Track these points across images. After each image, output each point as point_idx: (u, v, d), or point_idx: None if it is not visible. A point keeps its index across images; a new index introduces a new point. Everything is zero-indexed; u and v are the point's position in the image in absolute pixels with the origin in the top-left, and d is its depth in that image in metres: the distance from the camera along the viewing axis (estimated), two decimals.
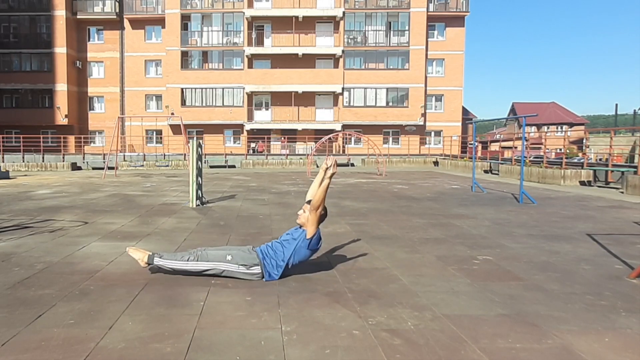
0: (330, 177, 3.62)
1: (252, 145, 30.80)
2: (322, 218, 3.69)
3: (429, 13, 30.88)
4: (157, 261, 3.67)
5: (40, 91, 31.82)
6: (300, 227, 3.73)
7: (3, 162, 23.46)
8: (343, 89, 30.84)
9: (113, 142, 17.92)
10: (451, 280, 3.68)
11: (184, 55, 31.14)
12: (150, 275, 3.76)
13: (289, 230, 3.85)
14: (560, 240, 5.25)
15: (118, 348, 2.41)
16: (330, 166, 3.63)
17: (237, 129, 31.75)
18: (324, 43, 31.29)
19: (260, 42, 31.61)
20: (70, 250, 4.67)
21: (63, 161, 24.49)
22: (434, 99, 32.28)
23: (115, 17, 31.86)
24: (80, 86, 32.78)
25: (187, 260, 3.62)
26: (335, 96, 31.44)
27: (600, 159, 25.42)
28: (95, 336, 2.55)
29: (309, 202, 3.74)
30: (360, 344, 2.48)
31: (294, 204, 8.61)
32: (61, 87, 31.31)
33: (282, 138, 30.66)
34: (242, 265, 3.58)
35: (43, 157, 25.39)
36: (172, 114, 29.38)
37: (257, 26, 31.57)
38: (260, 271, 3.59)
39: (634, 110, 51.17)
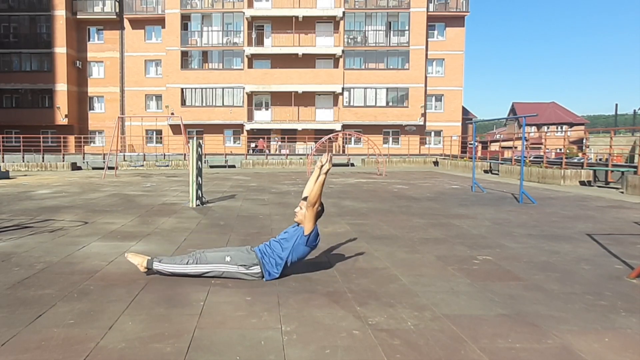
0: (326, 173, 3.63)
1: (252, 145, 30.79)
2: (319, 214, 3.70)
3: (429, 13, 30.87)
4: (157, 266, 3.67)
5: (40, 91, 31.82)
6: (298, 224, 3.73)
7: (3, 162, 23.46)
8: (343, 89, 30.84)
9: (113, 142, 17.92)
10: (451, 280, 3.68)
11: (184, 55, 31.14)
12: (150, 275, 3.76)
13: (287, 229, 3.86)
14: (560, 240, 5.25)
15: (118, 348, 2.41)
16: (326, 162, 3.64)
17: (237, 129, 31.75)
18: (324, 43, 31.29)
19: (260, 42, 31.61)
20: (70, 250, 4.67)
21: (63, 161, 24.49)
22: (434, 99, 32.28)
23: (115, 17, 31.86)
24: (80, 86, 32.78)
25: (187, 264, 3.62)
26: (335, 96, 31.44)
27: (600, 159, 25.43)
28: (95, 336, 2.55)
29: (305, 199, 3.75)
30: (360, 344, 2.48)
31: (294, 203, 8.59)
32: (61, 87, 31.31)
33: (277, 139, 30.56)
34: (241, 265, 3.59)
35: (43, 157, 25.39)
36: (172, 114, 29.38)
37: (257, 26, 31.57)
38: (260, 271, 3.60)
39: (634, 110, 51.21)
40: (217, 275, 3.63)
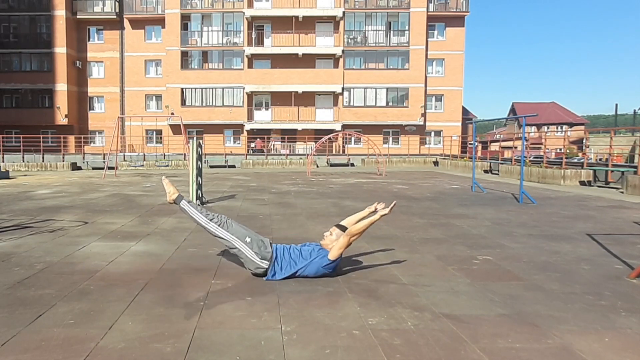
0: (381, 217, 3.69)
1: (252, 145, 30.80)
2: (349, 245, 3.72)
3: (429, 13, 30.88)
4: (184, 205, 3.79)
5: (40, 91, 31.82)
6: (321, 247, 3.74)
7: (3, 162, 23.46)
8: (343, 88, 30.84)
9: (113, 142, 17.92)
10: (451, 280, 3.68)
11: (184, 55, 31.14)
12: (150, 275, 3.76)
13: (312, 243, 3.86)
14: (560, 240, 5.25)
15: (118, 348, 2.41)
16: (389, 211, 3.69)
17: (237, 128, 31.75)
18: (324, 43, 31.29)
19: (260, 42, 31.61)
20: (70, 250, 4.67)
21: (63, 161, 24.50)
22: (434, 99, 32.28)
23: (115, 17, 31.86)
24: (80, 86, 32.78)
25: (210, 221, 3.69)
26: (335, 96, 31.44)
27: (600, 159, 25.41)
28: (95, 336, 2.55)
29: (339, 226, 3.79)
30: (360, 343, 2.48)
31: (294, 204, 8.61)
32: (61, 87, 31.31)
33: (272, 138, 30.47)
34: (256, 252, 3.59)
35: (43, 157, 25.39)
36: (172, 113, 29.38)
37: (257, 26, 31.57)
38: (267, 267, 3.59)
39: (634, 110, 51.19)
40: (229, 246, 3.66)
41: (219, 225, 3.66)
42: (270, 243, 3.71)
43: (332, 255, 3.60)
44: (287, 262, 3.62)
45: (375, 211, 3.83)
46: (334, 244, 3.64)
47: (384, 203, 3.86)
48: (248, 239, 3.62)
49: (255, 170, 21.63)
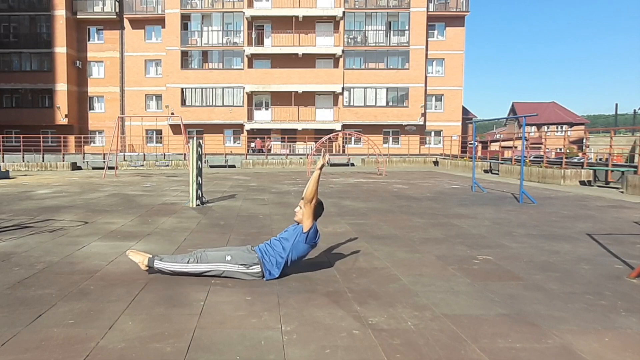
0: (320, 168, 3.67)
1: (252, 145, 30.79)
2: (317, 210, 3.72)
3: (429, 13, 30.86)
4: (158, 264, 3.68)
5: (40, 91, 31.81)
6: (298, 223, 3.75)
7: (3, 161, 23.46)
8: (343, 88, 30.83)
9: (113, 141, 17.91)
10: (451, 280, 3.68)
11: (184, 55, 31.13)
12: (150, 275, 3.76)
13: (287, 228, 3.87)
14: (560, 240, 5.25)
15: (118, 348, 2.41)
16: (322, 157, 3.70)
17: (237, 128, 31.74)
18: (324, 43, 31.28)
19: (260, 42, 31.60)
20: (70, 250, 4.67)
21: (63, 161, 24.50)
22: (434, 98, 32.27)
23: (115, 16, 31.85)
24: (80, 86, 32.77)
25: (187, 262, 3.63)
26: (335, 96, 31.43)
27: (600, 159, 25.41)
28: (95, 336, 2.55)
29: (303, 198, 3.77)
30: (360, 343, 2.48)
31: (294, 203, 8.59)
32: (61, 87, 31.30)
33: (267, 138, 30.38)
34: (241, 264, 3.59)
35: (43, 157, 25.39)
36: (172, 113, 29.38)
37: (257, 26, 31.55)
38: (260, 270, 3.60)
39: (634, 110, 51.19)
40: (218, 274, 3.63)
41: (196, 262, 3.62)
42: (252, 247, 3.73)
43: (306, 226, 3.65)
44: (273, 257, 3.64)
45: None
46: (302, 216, 3.69)
47: (328, 155, 3.84)
48: (228, 257, 3.62)
49: (255, 170, 21.63)
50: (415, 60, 30.70)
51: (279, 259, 3.63)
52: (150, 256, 3.73)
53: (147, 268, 3.70)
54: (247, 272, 3.60)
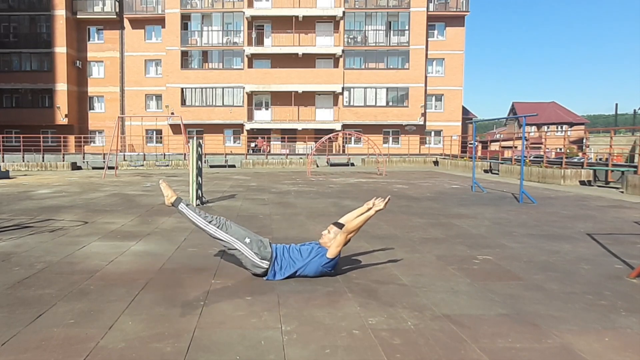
0: (376, 211, 3.73)
1: (252, 145, 30.78)
2: (347, 243, 3.73)
3: (429, 13, 30.86)
4: (182, 208, 3.80)
5: (40, 91, 31.81)
6: (320, 245, 3.74)
7: (3, 161, 23.46)
8: (343, 88, 30.84)
9: (113, 141, 17.91)
10: (451, 279, 3.68)
11: (184, 55, 31.14)
12: (150, 275, 3.76)
13: (311, 242, 3.86)
14: (560, 240, 5.25)
15: (118, 348, 2.41)
16: (383, 205, 3.73)
17: (237, 128, 31.74)
18: (324, 43, 31.28)
19: (260, 42, 31.60)
20: (70, 250, 4.67)
21: (63, 161, 24.50)
22: (434, 98, 32.27)
23: (115, 16, 31.85)
24: (80, 86, 32.77)
25: (209, 223, 3.69)
26: (335, 96, 31.43)
27: (600, 159, 25.42)
28: (95, 336, 2.55)
29: (336, 224, 3.79)
30: (360, 343, 2.48)
31: (294, 203, 8.61)
32: (61, 87, 31.30)
33: (262, 137, 30.35)
34: (255, 253, 3.59)
35: (43, 157, 25.39)
36: (172, 113, 29.37)
37: (257, 26, 31.56)
38: (267, 267, 3.59)
39: (634, 110, 51.20)
40: (229, 247, 3.66)
41: (217, 227, 3.67)
42: (270, 243, 3.71)
43: (331, 253, 3.60)
44: (287, 262, 3.62)
45: (372, 207, 3.83)
46: (332, 242, 3.64)
47: (381, 198, 3.86)
48: (247, 240, 3.62)
49: (255, 170, 21.63)
50: (415, 60, 30.70)
51: (290, 268, 3.62)
52: (178, 197, 3.88)
53: (170, 205, 3.84)
54: (256, 262, 3.59)
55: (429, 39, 31.59)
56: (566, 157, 16.57)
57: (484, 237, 5.39)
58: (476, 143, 16.48)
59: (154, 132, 31.47)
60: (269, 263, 3.59)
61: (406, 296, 3.26)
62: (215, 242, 3.80)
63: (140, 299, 3.19)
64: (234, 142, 31.76)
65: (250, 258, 3.59)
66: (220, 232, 3.65)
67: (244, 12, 30.67)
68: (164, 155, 24.81)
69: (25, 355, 2.32)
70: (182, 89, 31.03)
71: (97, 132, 33.14)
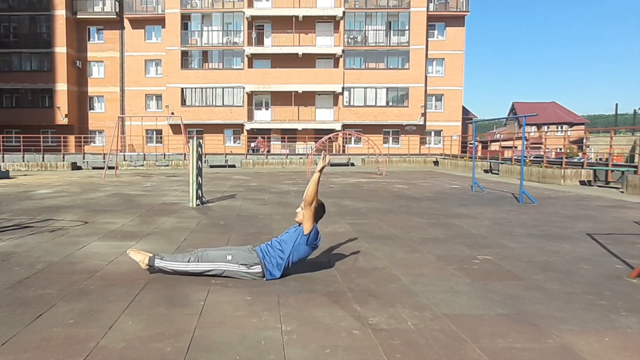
0: (320, 171, 3.66)
1: (252, 144, 30.78)
2: (317, 213, 3.72)
3: (429, 13, 30.86)
4: (158, 263, 3.68)
5: (40, 91, 31.81)
6: (299, 224, 3.75)
7: (3, 161, 23.46)
8: (343, 88, 30.83)
9: (113, 141, 17.91)
10: (451, 279, 3.68)
11: (184, 55, 31.13)
12: (150, 275, 3.76)
13: (288, 229, 3.87)
14: (560, 240, 5.25)
15: (118, 348, 2.41)
16: (322, 159, 3.69)
17: (237, 128, 31.74)
18: (324, 43, 31.28)
19: (260, 42, 31.60)
20: (70, 250, 4.67)
21: (63, 161, 24.50)
22: (434, 98, 32.27)
23: (115, 16, 31.85)
24: (80, 86, 32.77)
25: (188, 262, 3.63)
26: (335, 96, 31.43)
27: (600, 159, 25.42)
28: (95, 336, 2.55)
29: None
30: (360, 343, 2.48)
31: (294, 203, 8.60)
32: (61, 87, 31.30)
33: (262, 137, 30.32)
34: (242, 264, 3.59)
35: (43, 157, 25.39)
36: (172, 113, 29.37)
37: (257, 26, 31.55)
38: (260, 270, 3.60)
39: (634, 110, 51.18)
40: (218, 273, 3.63)
41: (197, 261, 3.62)
42: (254, 247, 3.73)
43: (306, 229, 3.65)
44: (274, 257, 3.64)
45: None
46: (302, 217, 3.69)
47: (328, 157, 3.82)
48: (229, 257, 3.62)
49: (255, 170, 21.63)
50: (415, 60, 30.70)
51: (279, 260, 3.63)
52: (151, 255, 3.73)
53: (147, 267, 3.70)
54: (248, 272, 3.60)
55: (429, 39, 31.58)
56: (566, 157, 16.57)
57: (484, 237, 5.39)
58: (476, 143, 16.48)
59: (154, 132, 31.47)
60: (260, 266, 3.60)
61: (406, 296, 3.26)
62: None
63: (140, 299, 3.19)
64: (234, 142, 31.76)
65: (240, 271, 3.61)
66: (202, 265, 3.61)
67: (244, 12, 30.66)
68: (164, 155, 24.80)
69: (25, 355, 2.32)
70: (182, 89, 31.03)
71: (97, 132, 33.14)
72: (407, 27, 30.72)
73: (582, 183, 12.95)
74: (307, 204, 3.62)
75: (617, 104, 55.62)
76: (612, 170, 12.91)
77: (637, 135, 28.16)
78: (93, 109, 33.23)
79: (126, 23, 32.14)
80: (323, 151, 3.79)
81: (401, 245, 4.94)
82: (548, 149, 31.72)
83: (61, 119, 31.28)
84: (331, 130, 27.82)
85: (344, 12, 30.64)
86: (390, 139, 31.80)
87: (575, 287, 3.49)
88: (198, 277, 3.66)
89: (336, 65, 31.24)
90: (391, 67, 31.02)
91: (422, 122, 31.26)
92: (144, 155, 24.74)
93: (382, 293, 3.33)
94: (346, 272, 3.87)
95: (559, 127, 56.13)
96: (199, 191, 8.36)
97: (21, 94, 32.04)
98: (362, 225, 6.19)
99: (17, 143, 27.71)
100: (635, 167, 11.90)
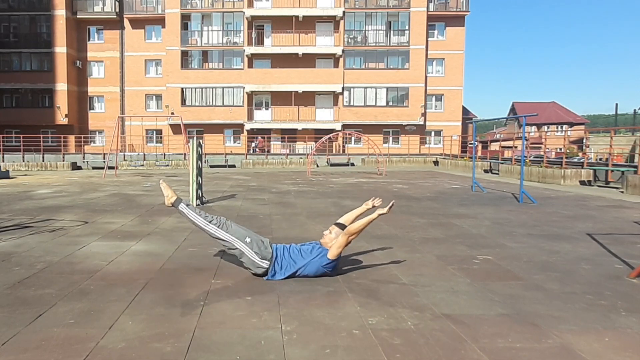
0: (379, 215, 3.60)
1: (252, 144, 30.78)
2: (348, 244, 3.70)
3: (429, 13, 30.86)
4: (182, 208, 3.79)
5: (40, 91, 31.81)
6: (321, 245, 3.73)
7: (3, 161, 23.46)
8: (343, 88, 30.84)
9: (113, 141, 17.91)
10: (451, 279, 3.68)
11: (184, 54, 31.14)
12: (150, 274, 3.76)
13: (312, 242, 3.85)
14: (560, 239, 5.25)
15: (118, 348, 2.41)
16: (387, 210, 3.59)
17: (237, 128, 31.74)
18: (324, 43, 31.28)
19: (260, 42, 31.60)
20: (70, 249, 4.67)
21: (63, 161, 24.49)
22: (434, 98, 32.27)
23: (115, 16, 31.85)
24: (80, 86, 32.78)
25: (209, 222, 3.68)
26: (335, 96, 31.44)
27: (600, 159, 25.41)
28: (95, 336, 2.55)
29: (338, 224, 3.78)
30: (360, 343, 2.48)
31: (294, 203, 8.61)
32: (61, 87, 31.31)
33: (261, 137, 30.31)
34: (256, 252, 3.59)
35: (43, 157, 25.38)
36: (172, 113, 29.38)
37: (257, 26, 31.56)
38: (267, 267, 3.59)
39: (634, 110, 51.18)
40: (229, 247, 3.66)
41: (218, 227, 3.66)
42: (270, 243, 3.71)
43: (332, 254, 3.59)
44: (287, 262, 3.62)
45: (372, 208, 3.81)
46: (333, 242, 3.64)
47: (380, 199, 3.85)
48: (248, 239, 3.62)
49: (256, 170, 21.63)
50: (415, 60, 30.71)
51: (290, 267, 3.61)
52: (178, 197, 3.86)
53: (170, 205, 3.83)
54: (256, 261, 3.58)
55: (429, 39, 31.59)
56: (566, 157, 16.57)
57: (484, 237, 5.39)
58: (476, 143, 16.50)
59: (154, 132, 31.47)
60: (269, 263, 3.59)
61: (406, 296, 3.26)
62: (216, 242, 3.80)
63: (140, 299, 3.19)
64: (234, 142, 31.76)
65: (251, 258, 3.59)
66: (221, 232, 3.65)
67: (244, 12, 30.67)
68: (164, 155, 24.81)
69: (25, 355, 2.32)
70: (182, 88, 31.03)
71: (97, 132, 33.14)
72: (407, 27, 30.73)
73: (582, 183, 12.95)
74: (347, 234, 3.57)
75: (617, 104, 55.68)
76: (612, 170, 12.91)
77: (637, 135, 28.16)
78: (93, 109, 33.24)
79: (126, 23, 32.15)
80: (393, 201, 3.75)
81: (401, 245, 4.94)
82: (548, 149, 31.73)
83: (61, 119, 31.29)
84: (331, 130, 27.82)
85: (344, 12, 30.64)
86: (390, 139, 31.80)
87: (575, 287, 3.49)
88: (198, 277, 3.66)
89: (336, 65, 31.24)
90: (391, 67, 31.02)
91: (422, 122, 31.27)
92: (144, 155, 24.75)
93: (382, 293, 3.33)
94: (346, 272, 3.87)
95: (559, 127, 56.13)
96: (199, 191, 8.36)
97: (21, 94, 32.04)
98: None
99: (17, 143, 27.71)
100: (635, 167, 11.90)
